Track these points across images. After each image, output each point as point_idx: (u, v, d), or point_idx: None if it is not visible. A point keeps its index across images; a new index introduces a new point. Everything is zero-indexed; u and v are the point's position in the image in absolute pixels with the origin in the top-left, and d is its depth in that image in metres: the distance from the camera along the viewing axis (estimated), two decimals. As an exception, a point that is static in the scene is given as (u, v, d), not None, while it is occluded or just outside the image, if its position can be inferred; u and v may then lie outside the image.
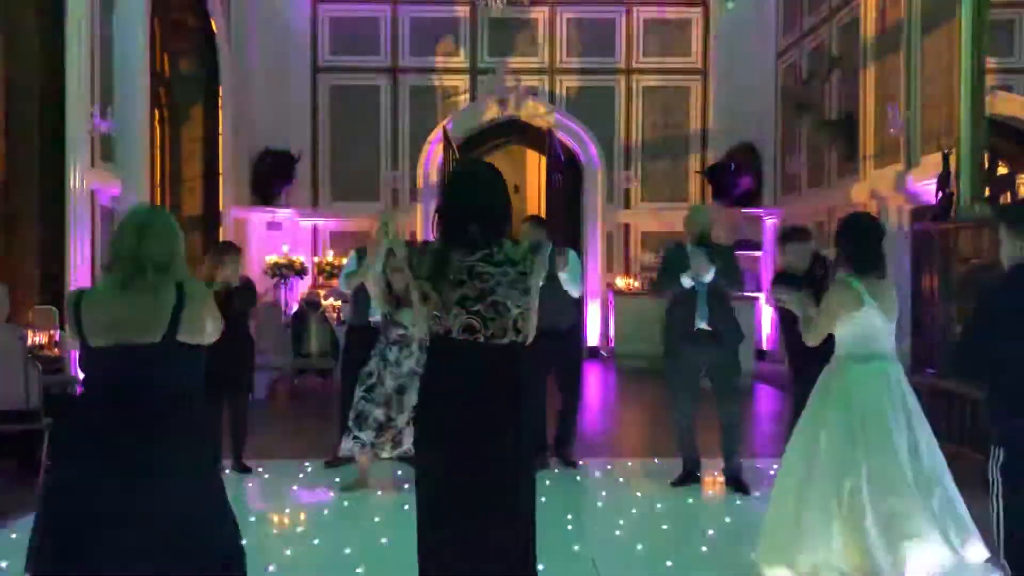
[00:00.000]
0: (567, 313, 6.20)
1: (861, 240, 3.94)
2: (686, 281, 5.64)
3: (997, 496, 3.01)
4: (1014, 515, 2.99)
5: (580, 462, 6.39)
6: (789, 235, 5.77)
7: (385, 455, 5.46)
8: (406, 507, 5.05)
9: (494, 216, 2.88)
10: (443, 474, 2.84)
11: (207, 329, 2.85)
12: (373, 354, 5.57)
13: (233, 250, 6.11)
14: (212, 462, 2.83)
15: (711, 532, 4.80)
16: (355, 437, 5.43)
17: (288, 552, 4.44)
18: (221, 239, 11.08)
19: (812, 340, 3.96)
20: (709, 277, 5.61)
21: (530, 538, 2.91)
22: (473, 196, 2.88)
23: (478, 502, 2.80)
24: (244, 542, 3.03)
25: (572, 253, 6.39)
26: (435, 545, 2.85)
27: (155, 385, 2.72)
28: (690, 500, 5.50)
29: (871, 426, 3.73)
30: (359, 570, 4.16)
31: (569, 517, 5.01)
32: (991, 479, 3.03)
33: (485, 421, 2.81)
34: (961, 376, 2.98)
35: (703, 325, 5.65)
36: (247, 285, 6.10)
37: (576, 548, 4.53)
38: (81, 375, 2.88)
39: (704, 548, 4.55)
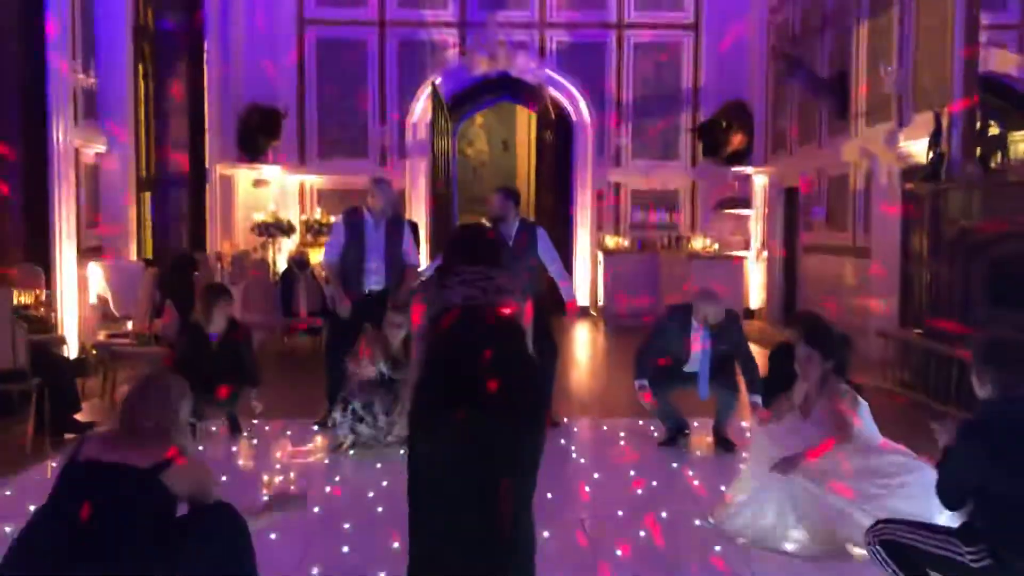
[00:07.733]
0: (534, 281, 5.99)
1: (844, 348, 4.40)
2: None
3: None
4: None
5: (566, 420, 6.44)
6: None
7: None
8: (401, 466, 5.09)
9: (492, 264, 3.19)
10: (449, 439, 2.89)
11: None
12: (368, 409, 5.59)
13: (221, 298, 5.99)
14: None
15: (700, 490, 4.83)
16: (369, 425, 5.56)
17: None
18: (207, 199, 11.01)
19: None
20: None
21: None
22: (473, 252, 3.19)
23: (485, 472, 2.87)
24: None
25: (541, 232, 6.18)
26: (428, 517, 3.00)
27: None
28: (678, 459, 5.53)
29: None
30: (348, 527, 4.18)
31: (558, 477, 5.02)
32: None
33: (497, 382, 2.83)
34: (946, 507, 3.02)
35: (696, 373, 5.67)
36: (234, 330, 6.02)
37: (565, 509, 4.56)
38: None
39: (694, 507, 4.57)
